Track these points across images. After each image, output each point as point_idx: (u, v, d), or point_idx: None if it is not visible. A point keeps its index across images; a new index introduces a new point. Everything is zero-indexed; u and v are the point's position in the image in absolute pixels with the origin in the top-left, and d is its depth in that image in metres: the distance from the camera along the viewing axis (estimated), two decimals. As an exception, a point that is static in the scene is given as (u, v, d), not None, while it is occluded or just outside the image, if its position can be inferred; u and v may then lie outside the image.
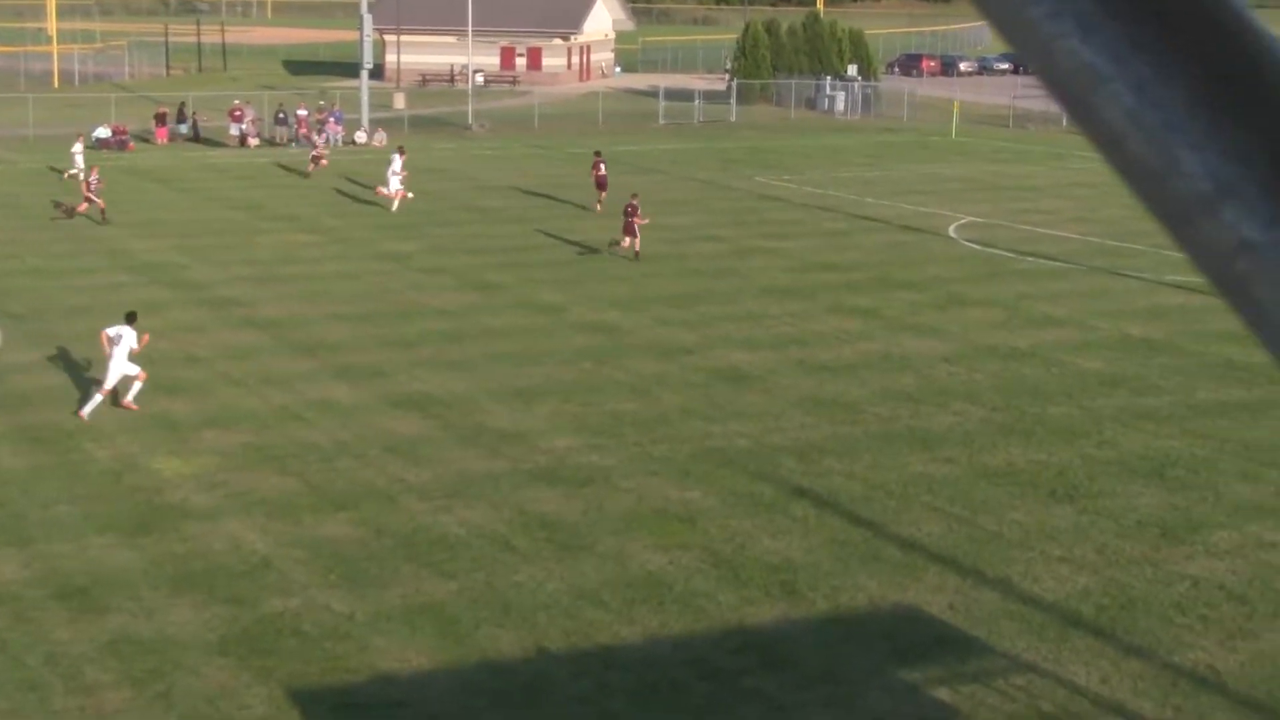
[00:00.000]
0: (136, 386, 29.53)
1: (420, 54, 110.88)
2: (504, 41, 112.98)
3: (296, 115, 76.22)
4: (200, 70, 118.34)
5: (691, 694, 18.13)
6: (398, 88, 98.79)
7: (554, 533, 23.25)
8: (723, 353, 34.49)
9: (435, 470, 26.18)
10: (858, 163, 70.59)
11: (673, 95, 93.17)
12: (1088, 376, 32.71)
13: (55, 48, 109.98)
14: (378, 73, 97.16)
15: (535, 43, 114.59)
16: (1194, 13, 1.00)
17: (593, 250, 46.60)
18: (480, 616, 20.17)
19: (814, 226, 52.45)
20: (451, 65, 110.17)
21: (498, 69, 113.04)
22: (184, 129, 76.72)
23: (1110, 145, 1.01)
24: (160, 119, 75.70)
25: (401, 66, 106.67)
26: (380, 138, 76.23)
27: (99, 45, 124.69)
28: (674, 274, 43.79)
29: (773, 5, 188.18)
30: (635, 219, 45.32)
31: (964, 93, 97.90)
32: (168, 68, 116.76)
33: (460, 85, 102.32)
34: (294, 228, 51.19)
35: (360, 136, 76.14)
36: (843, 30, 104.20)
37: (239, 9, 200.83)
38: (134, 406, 29.43)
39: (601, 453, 27.25)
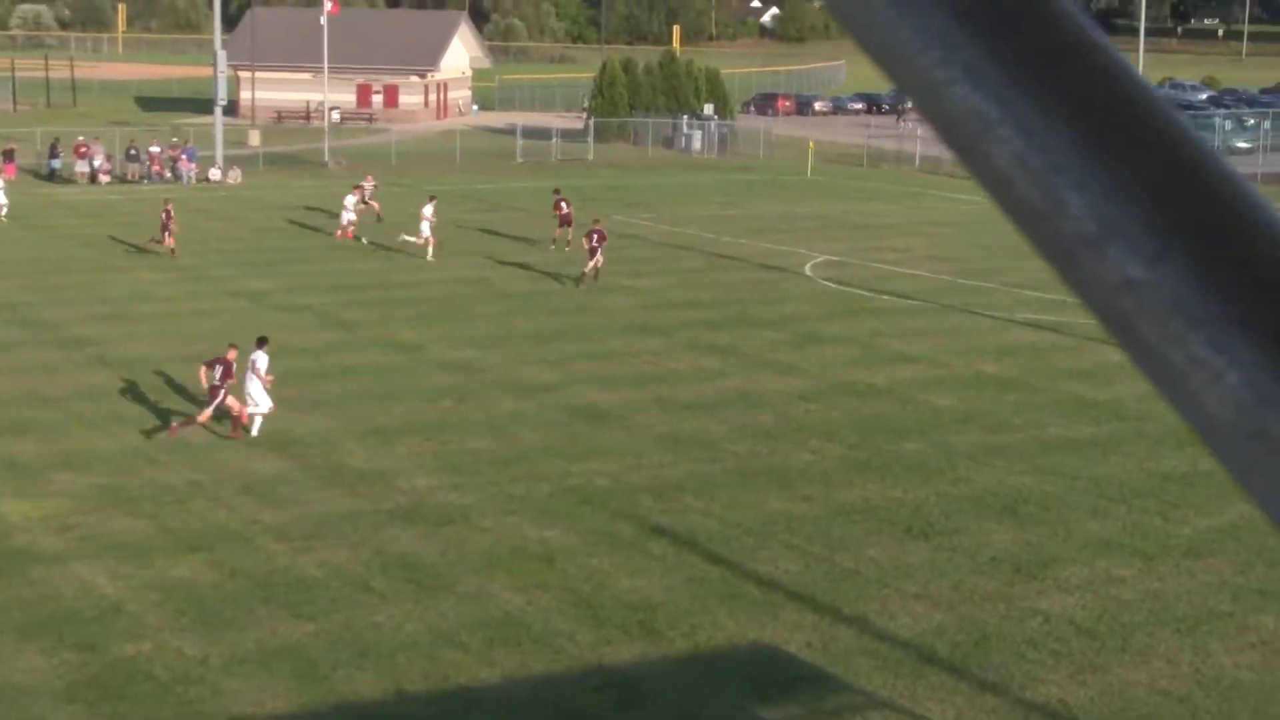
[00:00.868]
0: (258, 420, 30.37)
1: (275, 90, 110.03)
2: (360, 79, 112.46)
3: (149, 152, 75.21)
4: (49, 105, 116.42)
5: (551, 735, 18.07)
6: (253, 124, 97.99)
7: (413, 573, 23.09)
8: (581, 391, 34.51)
9: (293, 511, 25.89)
10: (715, 201, 71.09)
11: (530, 133, 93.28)
12: (941, 413, 33.16)
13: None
14: (232, 109, 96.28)
15: (392, 80, 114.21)
16: (1078, 60, 1.03)
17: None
18: (338, 658, 19.97)
19: (672, 264, 52.72)
20: (307, 102, 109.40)
21: (354, 106, 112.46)
22: (56, 165, 74.33)
23: (999, 187, 1.05)
24: (8, 155, 74.23)
25: (256, 103, 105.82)
26: (235, 175, 75.49)
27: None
28: (533, 312, 43.78)
29: (629, 44, 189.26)
30: (599, 244, 47.15)
31: (819, 132, 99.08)
32: (15, 102, 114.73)
33: (316, 122, 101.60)
34: (147, 265, 50.48)
35: (214, 174, 75.33)
36: (699, 69, 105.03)
37: (89, 44, 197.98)
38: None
39: (461, 492, 27.13)
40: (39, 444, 29.50)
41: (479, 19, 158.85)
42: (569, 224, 53.83)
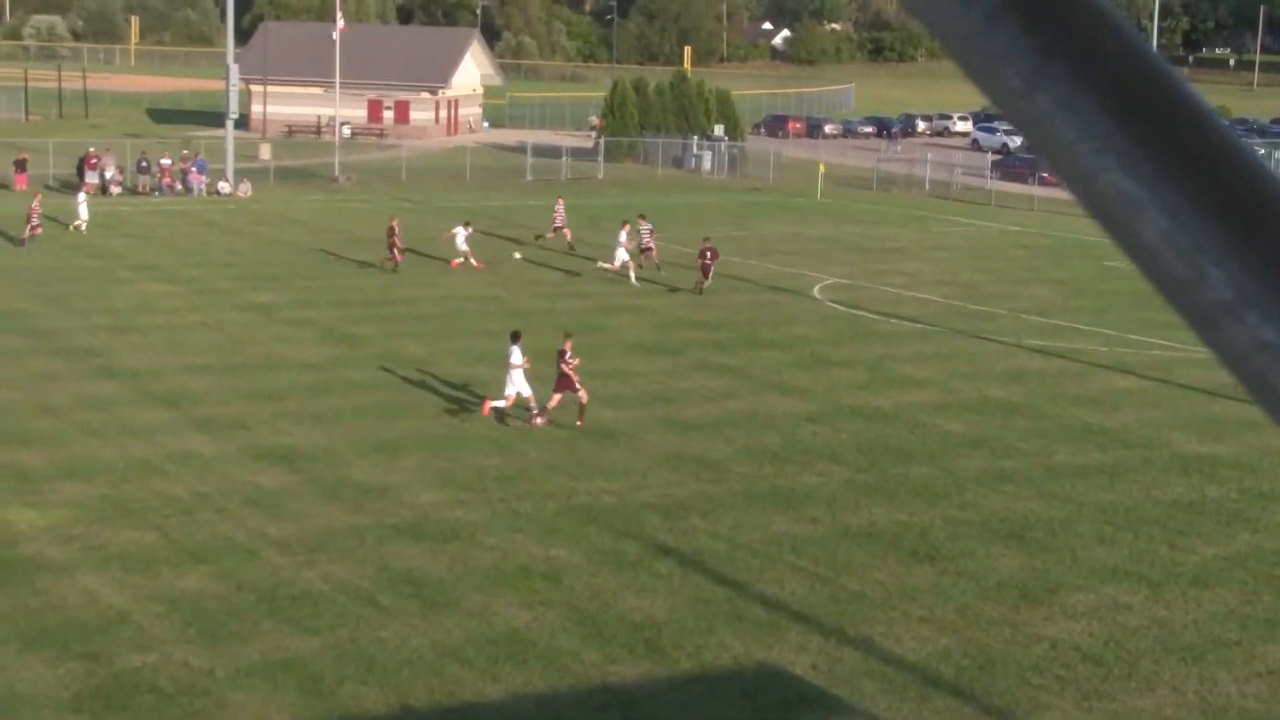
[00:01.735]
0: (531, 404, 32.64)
1: (287, 105, 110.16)
2: (371, 94, 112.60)
3: (160, 164, 75.31)
4: (61, 116, 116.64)
5: (555, 753, 18.03)
6: (263, 138, 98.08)
7: (419, 589, 23.07)
8: (589, 409, 34.46)
9: (298, 524, 25.88)
10: (724, 222, 71.06)
11: (540, 151, 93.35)
12: (949, 438, 33.12)
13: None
14: (243, 123, 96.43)
15: (403, 96, 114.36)
16: (1218, 155, 1.20)
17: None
18: (343, 673, 19.94)
19: (680, 284, 52.69)
20: (318, 117, 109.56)
21: (365, 121, 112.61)
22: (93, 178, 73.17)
23: (1146, 257, 1.19)
24: (20, 165, 74.31)
25: (268, 117, 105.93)
26: (245, 188, 75.57)
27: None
28: (541, 330, 43.74)
29: (640, 64, 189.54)
30: (711, 261, 50.48)
31: (829, 155, 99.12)
32: (26, 113, 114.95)
33: (327, 137, 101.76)
34: (154, 277, 50.53)
35: (224, 187, 75.41)
36: (710, 90, 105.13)
37: (101, 55, 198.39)
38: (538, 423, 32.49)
39: (466, 508, 27.11)
40: (44, 453, 29.51)
41: (490, 36, 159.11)
42: (707, 275, 52.59)
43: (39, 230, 56.13)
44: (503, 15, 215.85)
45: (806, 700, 19.73)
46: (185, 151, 78.63)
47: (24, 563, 23.62)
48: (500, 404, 32.97)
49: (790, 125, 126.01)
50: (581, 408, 32.93)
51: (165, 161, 75.53)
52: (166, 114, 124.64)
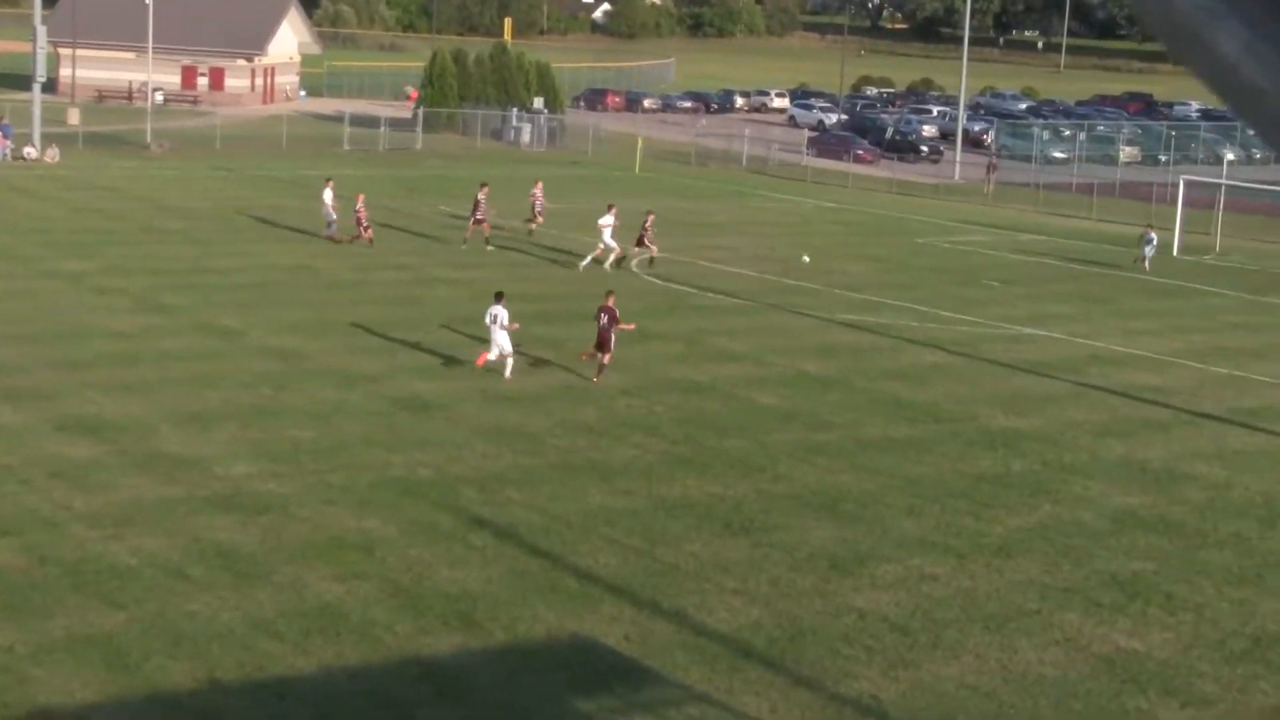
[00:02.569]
0: (509, 364, 34.51)
1: (97, 69, 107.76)
2: (186, 60, 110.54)
3: (-37, 126, 73.23)
4: None
5: (367, 726, 17.96)
6: (72, 103, 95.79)
7: (230, 561, 22.79)
8: (406, 381, 34.31)
9: (106, 496, 25.41)
10: (544, 195, 70.90)
11: (358, 121, 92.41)
12: (763, 411, 33.50)
13: None
14: (51, 87, 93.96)
15: (218, 63, 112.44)
16: None
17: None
18: (151, 647, 19.64)
19: (499, 257, 52.60)
20: (130, 82, 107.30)
21: (178, 88, 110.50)
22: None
23: (1223, 75, 1.13)
24: None
25: (77, 81, 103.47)
26: (53, 154, 73.78)
27: None
28: (358, 301, 43.42)
29: (460, 35, 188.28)
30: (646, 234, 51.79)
31: (648, 129, 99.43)
32: None
33: (139, 103, 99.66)
34: (-42, 243, 49.15)
35: (30, 152, 73.57)
36: (530, 62, 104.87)
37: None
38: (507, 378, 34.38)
39: (280, 480, 26.83)
40: None
41: (308, 4, 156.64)
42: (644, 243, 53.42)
43: None
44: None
45: (619, 672, 19.87)
46: (-10, 115, 76.52)
47: None
48: (493, 357, 34.85)
49: (610, 99, 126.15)
50: (602, 370, 35.16)
51: (-31, 125, 73.45)
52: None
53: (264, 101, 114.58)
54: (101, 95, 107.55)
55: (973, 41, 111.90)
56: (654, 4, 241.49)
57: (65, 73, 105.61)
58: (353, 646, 20.07)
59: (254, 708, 18.25)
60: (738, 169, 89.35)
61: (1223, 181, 70.15)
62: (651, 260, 51.78)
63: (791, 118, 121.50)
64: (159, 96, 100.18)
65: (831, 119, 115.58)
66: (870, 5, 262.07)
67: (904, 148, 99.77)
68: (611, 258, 50.54)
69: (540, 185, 58.40)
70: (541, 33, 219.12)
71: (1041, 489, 28.89)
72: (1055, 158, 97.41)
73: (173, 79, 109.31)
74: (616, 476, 28.20)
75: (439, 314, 42.00)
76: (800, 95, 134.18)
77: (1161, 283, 54.33)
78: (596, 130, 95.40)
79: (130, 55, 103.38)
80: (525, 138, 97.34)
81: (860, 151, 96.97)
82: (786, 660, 20.44)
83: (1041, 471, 30.05)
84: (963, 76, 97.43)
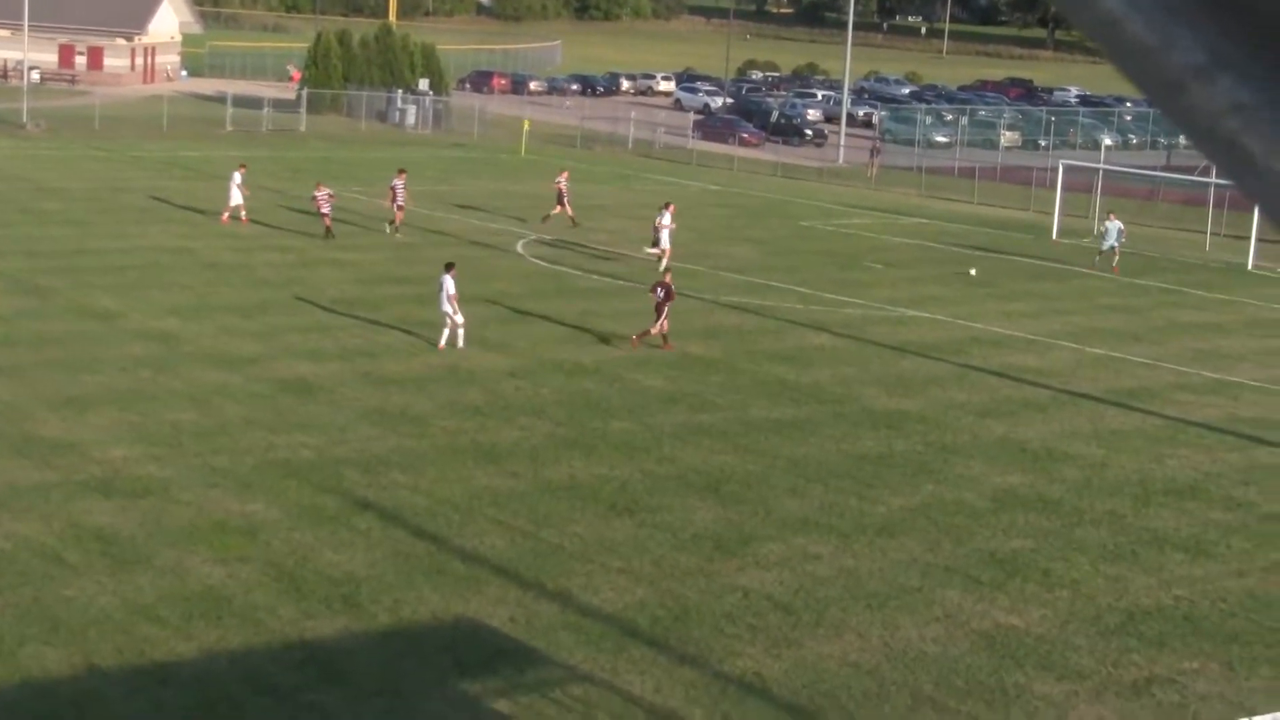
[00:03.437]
0: (460, 334, 36.06)
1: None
2: (63, 39, 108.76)
3: None
4: None
5: (249, 710, 17.84)
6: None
7: (108, 546, 22.51)
8: (288, 363, 34.04)
9: (-20, 482, 24.98)
10: (428, 177, 70.60)
11: (241, 102, 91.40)
12: (648, 393, 33.57)
13: None
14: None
15: (97, 41, 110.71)
16: None
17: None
18: (26, 633, 19.36)
19: (384, 239, 52.27)
20: (4, 60, 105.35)
21: (56, 67, 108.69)
22: None
23: (1106, 28, 1.13)
24: None
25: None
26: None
27: None
28: (239, 284, 43.00)
29: (344, 16, 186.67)
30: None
31: (534, 112, 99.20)
32: None
33: (14, 82, 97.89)
34: None
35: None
36: (415, 44, 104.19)
37: None
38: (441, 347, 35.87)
39: (160, 464, 26.53)
40: None
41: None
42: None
43: None
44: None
45: (505, 653, 19.86)
46: None
47: None
48: (450, 333, 36.22)
49: (495, 81, 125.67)
50: (645, 334, 37.30)
51: None
52: None
53: (144, 81, 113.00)
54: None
55: (857, 26, 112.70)
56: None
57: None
58: (235, 630, 19.91)
59: (133, 693, 18.06)
60: (624, 152, 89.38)
61: (1100, 166, 71.16)
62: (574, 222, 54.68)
63: (677, 101, 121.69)
64: (35, 75, 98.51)
65: (717, 103, 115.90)
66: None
67: (789, 131, 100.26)
68: (664, 262, 47.82)
69: (404, 176, 54.07)
70: (427, 14, 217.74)
71: (923, 469, 29.20)
72: (938, 142, 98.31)
73: (50, 58, 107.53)
74: (502, 458, 28.16)
75: (323, 296, 41.67)
76: (686, 79, 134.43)
77: (1040, 265, 55.04)
78: (482, 113, 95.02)
79: (5, 33, 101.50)
80: (410, 120, 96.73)
81: (745, 135, 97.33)
82: (671, 639, 20.53)
83: (924, 452, 30.37)
84: (847, 61, 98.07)
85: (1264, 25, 1.14)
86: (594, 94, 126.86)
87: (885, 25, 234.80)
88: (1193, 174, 73.66)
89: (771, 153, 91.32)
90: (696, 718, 18.36)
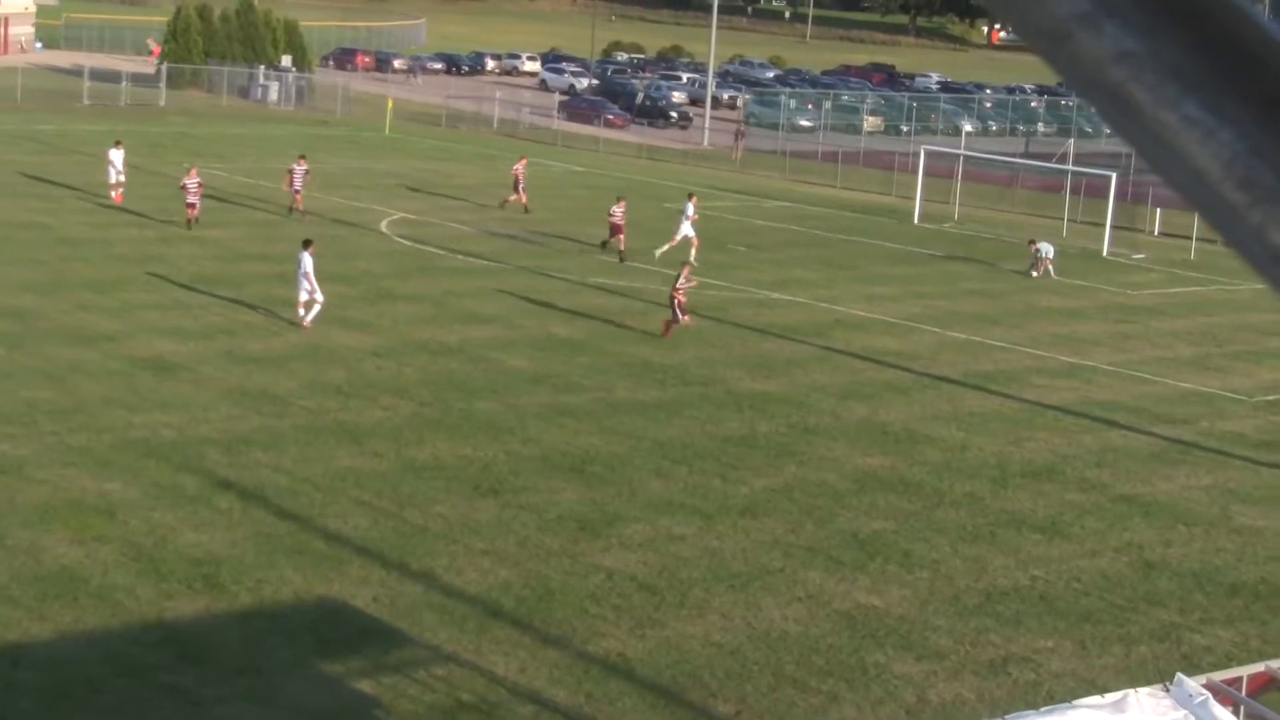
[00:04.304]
0: (315, 310, 35.78)
1: None
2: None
3: None
4: None
5: (106, 692, 17.59)
6: None
7: (-40, 526, 22.06)
8: (147, 341, 33.55)
9: None
10: (290, 154, 69.77)
11: (99, 76, 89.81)
12: (513, 374, 33.52)
13: None
14: None
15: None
16: None
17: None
18: (-124, 615, 18.93)
19: (245, 216, 51.67)
20: None
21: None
22: None
23: None
24: None
25: None
26: None
27: None
28: (96, 260, 42.28)
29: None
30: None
31: (398, 90, 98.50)
32: None
33: None
34: None
35: None
36: (277, 20, 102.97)
37: None
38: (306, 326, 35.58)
39: (14, 442, 26.04)
40: None
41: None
42: (617, 232, 48.35)
43: None
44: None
45: (368, 633, 19.76)
46: None
47: None
48: (307, 311, 35.91)
49: (359, 59, 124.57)
50: (670, 324, 37.56)
51: None
52: None
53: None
54: None
55: (722, 10, 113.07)
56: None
57: None
58: (92, 611, 19.61)
59: (-13, 675, 17.73)
60: (488, 132, 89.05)
61: (961, 152, 72.09)
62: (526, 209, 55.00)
63: (543, 81, 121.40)
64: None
65: (582, 83, 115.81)
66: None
67: (654, 113, 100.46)
68: (692, 254, 46.06)
69: (304, 162, 53.18)
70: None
71: (786, 450, 29.43)
72: (801, 126, 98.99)
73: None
74: (365, 438, 27.98)
75: (182, 273, 41.10)
76: (551, 59, 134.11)
77: (902, 250, 55.64)
78: (345, 90, 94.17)
79: None
80: (273, 96, 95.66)
81: (611, 116, 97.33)
82: (535, 620, 20.54)
83: (787, 433, 30.61)
84: (711, 44, 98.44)
85: None
86: (459, 73, 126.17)
87: (750, 9, 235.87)
88: (1050, 161, 74.89)
89: (637, 134, 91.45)
90: (560, 698, 18.40)
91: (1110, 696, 12.91)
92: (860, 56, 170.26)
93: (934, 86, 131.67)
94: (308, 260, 35.79)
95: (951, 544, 24.87)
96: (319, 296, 35.89)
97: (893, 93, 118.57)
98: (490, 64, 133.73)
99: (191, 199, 47.75)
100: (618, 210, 48.10)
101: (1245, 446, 31.98)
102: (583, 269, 46.27)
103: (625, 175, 73.02)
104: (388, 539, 23.03)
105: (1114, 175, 57.91)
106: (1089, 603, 22.77)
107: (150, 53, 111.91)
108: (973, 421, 32.65)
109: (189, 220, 47.85)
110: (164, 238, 46.25)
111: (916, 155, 67.45)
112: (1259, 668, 15.46)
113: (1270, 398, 36.35)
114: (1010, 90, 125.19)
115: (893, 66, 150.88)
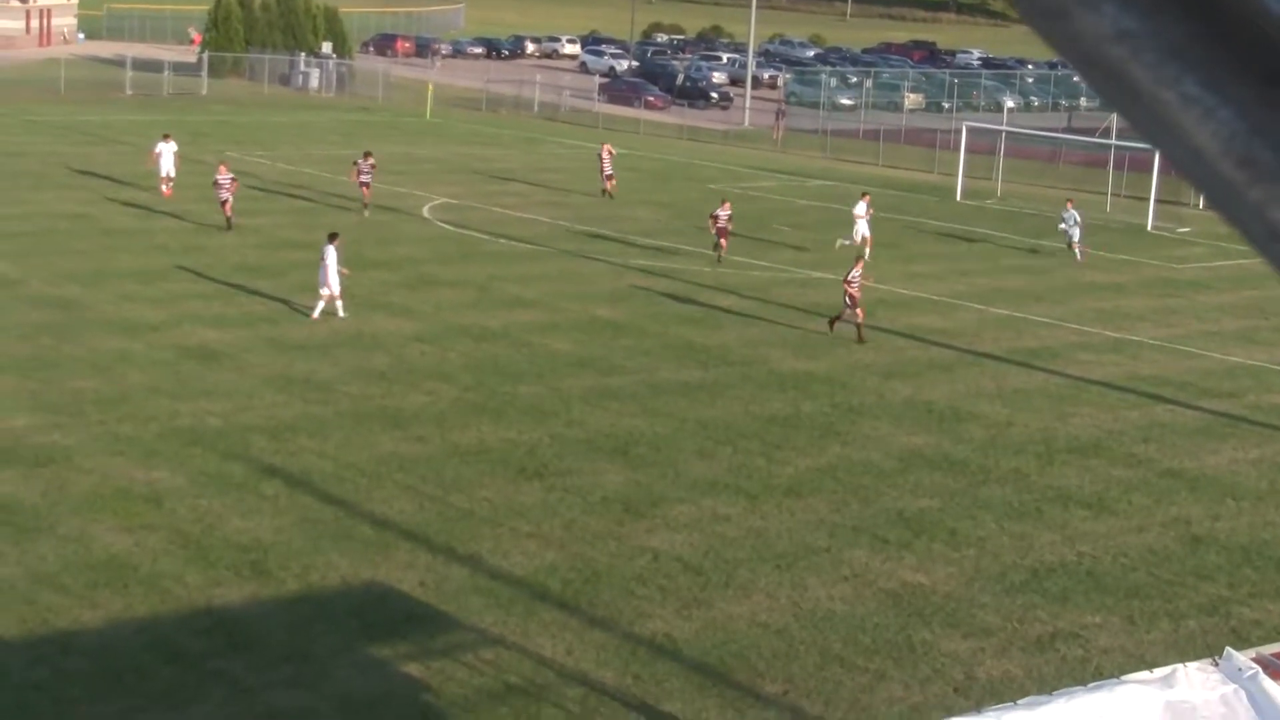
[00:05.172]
0: (320, 305, 35.28)
1: None
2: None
3: None
4: None
5: (155, 678, 17.69)
6: None
7: (11, 515, 22.23)
8: (191, 330, 33.72)
9: (-123, 452, 24.59)
10: (331, 141, 70.10)
11: (141, 65, 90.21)
12: (556, 357, 33.55)
13: None
14: None
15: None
16: None
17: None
18: (-73, 605, 19.10)
19: (286, 204, 51.85)
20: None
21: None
22: None
23: None
24: None
25: None
26: None
27: None
28: (140, 250, 42.49)
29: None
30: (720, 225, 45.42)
31: (438, 75, 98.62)
32: None
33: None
34: None
35: None
36: (317, 7, 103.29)
37: None
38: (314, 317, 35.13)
39: (62, 431, 26.21)
40: None
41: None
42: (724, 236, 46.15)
43: None
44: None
45: (414, 618, 19.82)
46: None
47: None
48: (322, 303, 35.45)
49: (399, 45, 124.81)
50: (857, 326, 36.50)
51: None
52: None
53: (40, 44, 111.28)
54: None
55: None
56: None
57: None
58: (141, 599, 19.73)
59: (35, 663, 17.86)
60: (529, 115, 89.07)
61: (1003, 128, 71.72)
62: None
63: (583, 64, 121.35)
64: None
65: (622, 65, 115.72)
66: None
67: (694, 94, 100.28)
68: (867, 251, 44.26)
69: (370, 157, 51.24)
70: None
71: (830, 430, 29.37)
72: (842, 105, 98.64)
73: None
74: (409, 423, 28.05)
75: (224, 262, 41.28)
76: (591, 41, 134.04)
77: (945, 226, 55.42)
78: (386, 76, 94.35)
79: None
80: (314, 83, 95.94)
81: (651, 98, 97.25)
82: (581, 602, 20.57)
83: (830, 413, 30.54)
84: (751, 23, 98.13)
85: None
86: (498, 57, 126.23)
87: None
88: (1094, 135, 74.41)
89: (677, 116, 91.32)
90: (607, 679, 18.42)
91: (1159, 671, 12.83)
92: (901, 34, 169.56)
93: (975, 63, 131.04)
94: (331, 254, 35.51)
95: (997, 521, 24.78)
96: (323, 291, 35.41)
97: (934, 70, 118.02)
98: (530, 47, 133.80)
99: (225, 195, 46.16)
100: (722, 213, 45.55)
101: (1293, 420, 31.74)
102: (624, 251, 46.25)
103: (666, 157, 72.96)
104: (433, 523, 23.09)
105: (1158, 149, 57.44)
106: (1136, 578, 22.65)
107: (191, 41, 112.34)
108: (1017, 398, 32.50)
109: (228, 220, 46.23)
110: (205, 227, 46.43)
111: (958, 132, 67.15)
112: (1309, 642, 15.34)
113: (1318, 370, 36.06)
114: (1052, 65, 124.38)
115: (934, 43, 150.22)
